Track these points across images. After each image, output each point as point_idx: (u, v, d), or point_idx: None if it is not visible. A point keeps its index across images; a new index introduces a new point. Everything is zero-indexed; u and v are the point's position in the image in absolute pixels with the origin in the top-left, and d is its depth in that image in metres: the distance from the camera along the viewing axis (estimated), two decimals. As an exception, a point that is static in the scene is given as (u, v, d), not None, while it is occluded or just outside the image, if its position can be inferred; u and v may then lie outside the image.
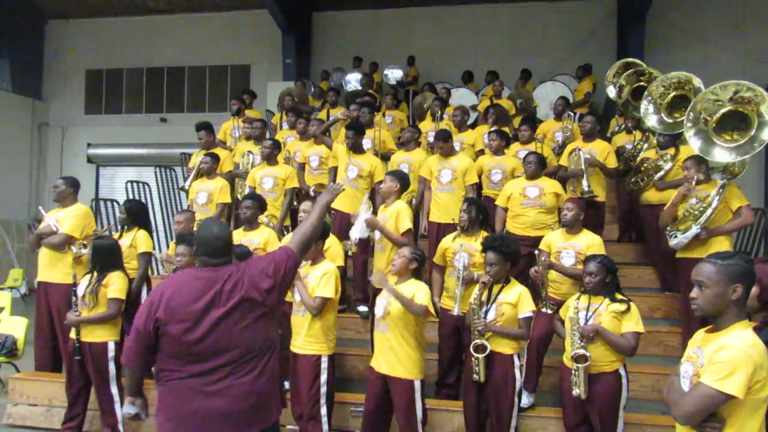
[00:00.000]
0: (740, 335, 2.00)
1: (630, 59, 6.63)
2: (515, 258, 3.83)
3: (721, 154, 4.34)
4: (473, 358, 3.62)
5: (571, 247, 4.21)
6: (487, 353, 3.59)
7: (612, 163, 5.59)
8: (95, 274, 4.18)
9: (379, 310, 3.71)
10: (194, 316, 2.23)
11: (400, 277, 3.75)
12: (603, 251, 4.08)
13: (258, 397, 2.30)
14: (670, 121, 5.11)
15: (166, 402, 2.30)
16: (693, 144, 4.42)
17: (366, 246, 4.91)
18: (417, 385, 3.61)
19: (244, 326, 2.29)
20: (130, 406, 2.52)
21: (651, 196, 5.47)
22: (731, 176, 4.66)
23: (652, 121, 5.20)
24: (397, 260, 3.76)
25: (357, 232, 4.50)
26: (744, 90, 4.19)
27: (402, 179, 4.63)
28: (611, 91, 6.67)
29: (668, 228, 4.60)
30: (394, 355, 3.60)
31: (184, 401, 2.24)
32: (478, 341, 3.62)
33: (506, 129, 6.91)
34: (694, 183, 4.52)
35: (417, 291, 3.60)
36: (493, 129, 6.21)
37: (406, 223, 4.46)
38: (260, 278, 2.37)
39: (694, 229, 4.38)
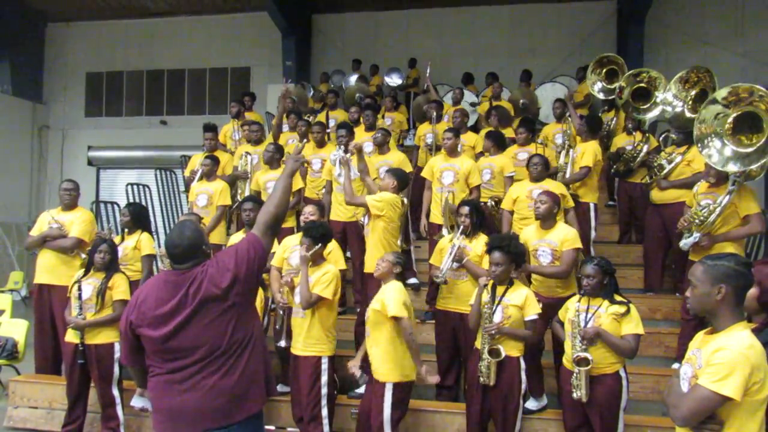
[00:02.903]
0: (738, 336, 2.00)
1: (604, 54, 6.94)
2: (521, 259, 3.84)
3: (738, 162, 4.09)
4: (485, 362, 3.62)
5: (547, 245, 4.22)
6: (502, 358, 3.59)
7: (587, 162, 5.52)
8: (97, 276, 4.19)
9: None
10: (161, 319, 2.29)
11: (383, 280, 3.78)
12: (578, 243, 4.13)
13: (231, 394, 2.29)
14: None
15: (152, 396, 2.41)
16: (713, 156, 4.17)
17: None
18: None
19: (206, 325, 2.28)
20: (139, 398, 2.62)
21: (654, 195, 5.45)
22: (747, 178, 4.35)
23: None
24: (381, 264, 3.80)
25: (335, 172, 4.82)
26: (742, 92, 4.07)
27: (400, 177, 4.59)
28: (595, 89, 6.94)
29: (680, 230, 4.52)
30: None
31: (164, 395, 2.33)
32: (493, 346, 3.62)
33: (509, 130, 6.93)
34: (712, 179, 4.36)
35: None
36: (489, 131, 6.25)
37: (371, 195, 4.42)
38: (220, 274, 2.32)
39: (695, 236, 4.30)
